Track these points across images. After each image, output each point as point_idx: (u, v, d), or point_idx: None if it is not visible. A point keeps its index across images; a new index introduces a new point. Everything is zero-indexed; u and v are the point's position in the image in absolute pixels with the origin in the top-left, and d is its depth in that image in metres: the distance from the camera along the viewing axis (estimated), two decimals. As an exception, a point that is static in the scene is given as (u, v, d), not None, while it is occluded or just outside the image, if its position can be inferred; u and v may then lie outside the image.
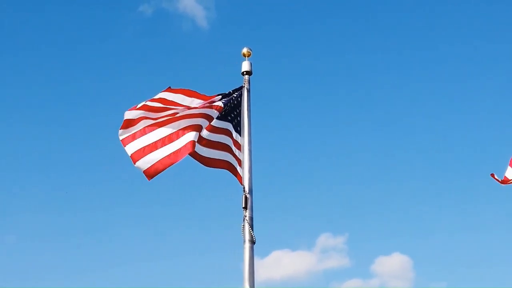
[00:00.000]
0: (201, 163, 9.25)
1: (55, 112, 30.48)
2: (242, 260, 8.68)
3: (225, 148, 9.37)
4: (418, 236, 28.68)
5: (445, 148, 30.98)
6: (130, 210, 28.75)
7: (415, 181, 30.37)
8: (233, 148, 9.41)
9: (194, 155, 9.08)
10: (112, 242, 27.72)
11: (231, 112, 9.46)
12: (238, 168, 9.24)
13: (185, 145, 8.80)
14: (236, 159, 9.32)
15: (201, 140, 9.06)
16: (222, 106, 9.21)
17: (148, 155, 8.80)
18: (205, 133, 9.16)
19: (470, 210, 29.08)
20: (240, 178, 9.15)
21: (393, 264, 28.72)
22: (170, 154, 8.80)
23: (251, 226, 8.78)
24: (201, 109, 9.13)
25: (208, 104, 9.21)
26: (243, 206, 8.83)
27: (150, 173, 8.77)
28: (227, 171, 9.33)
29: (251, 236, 8.73)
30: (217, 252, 26.95)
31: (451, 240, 28.55)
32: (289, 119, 31.43)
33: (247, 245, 8.70)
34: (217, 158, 9.29)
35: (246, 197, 8.88)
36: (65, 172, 29.43)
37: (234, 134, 9.46)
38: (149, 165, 8.76)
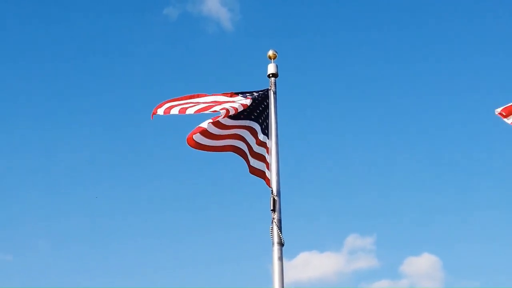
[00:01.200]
0: (203, 150, 9.16)
1: (78, 117, 30.69)
2: (271, 262, 8.71)
3: (239, 138, 9.32)
4: (447, 236, 28.48)
5: (473, 147, 30.78)
6: (160, 212, 28.91)
7: (443, 181, 30.19)
8: (251, 141, 9.38)
9: (193, 143, 8.96)
10: (142, 243, 27.88)
11: (260, 115, 9.44)
12: (266, 171, 9.24)
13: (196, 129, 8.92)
14: (265, 162, 9.30)
15: (209, 135, 9.08)
16: (237, 108, 9.16)
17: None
18: (214, 129, 9.13)
19: (499, 208, 28.83)
20: (268, 181, 9.15)
21: (422, 265, 28.55)
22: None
23: (280, 228, 8.79)
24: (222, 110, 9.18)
25: (229, 107, 9.23)
26: (271, 208, 8.85)
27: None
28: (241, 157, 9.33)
29: (280, 239, 8.73)
30: (245, 254, 27.01)
31: (481, 239, 28.34)
32: (315, 120, 31.37)
33: (275, 247, 8.71)
34: (224, 144, 9.19)
35: (274, 200, 8.90)
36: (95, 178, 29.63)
37: (261, 136, 9.44)
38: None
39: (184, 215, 28.86)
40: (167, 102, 9.29)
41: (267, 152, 9.32)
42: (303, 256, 28.26)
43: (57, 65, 31.59)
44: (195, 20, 32.09)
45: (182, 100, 9.35)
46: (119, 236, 27.99)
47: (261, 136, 9.40)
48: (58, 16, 32.15)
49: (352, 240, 29.00)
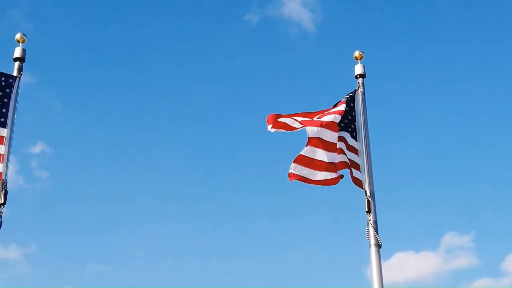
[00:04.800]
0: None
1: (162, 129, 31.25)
2: (369, 263, 8.63)
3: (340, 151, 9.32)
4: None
5: None
6: (263, 215, 29.06)
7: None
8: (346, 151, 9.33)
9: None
10: (248, 236, 28.02)
11: (344, 118, 9.33)
12: (357, 173, 9.15)
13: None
14: (353, 164, 9.21)
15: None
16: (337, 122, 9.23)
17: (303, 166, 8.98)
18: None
19: None
20: (360, 183, 9.06)
21: (525, 262, 27.67)
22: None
23: (376, 229, 8.71)
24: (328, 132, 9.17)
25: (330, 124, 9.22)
26: (366, 210, 8.78)
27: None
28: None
29: (377, 240, 8.65)
30: (341, 255, 26.86)
31: None
32: (405, 119, 30.91)
33: (373, 249, 8.63)
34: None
35: (368, 201, 8.83)
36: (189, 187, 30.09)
37: (350, 140, 9.36)
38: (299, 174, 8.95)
39: (282, 221, 28.96)
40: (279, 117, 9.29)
41: (358, 155, 9.24)
42: (399, 256, 27.88)
43: (146, 68, 32.24)
44: (276, 24, 32.11)
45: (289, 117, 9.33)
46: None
47: (350, 141, 9.34)
48: (148, 24, 32.80)
49: (449, 239, 28.45)
